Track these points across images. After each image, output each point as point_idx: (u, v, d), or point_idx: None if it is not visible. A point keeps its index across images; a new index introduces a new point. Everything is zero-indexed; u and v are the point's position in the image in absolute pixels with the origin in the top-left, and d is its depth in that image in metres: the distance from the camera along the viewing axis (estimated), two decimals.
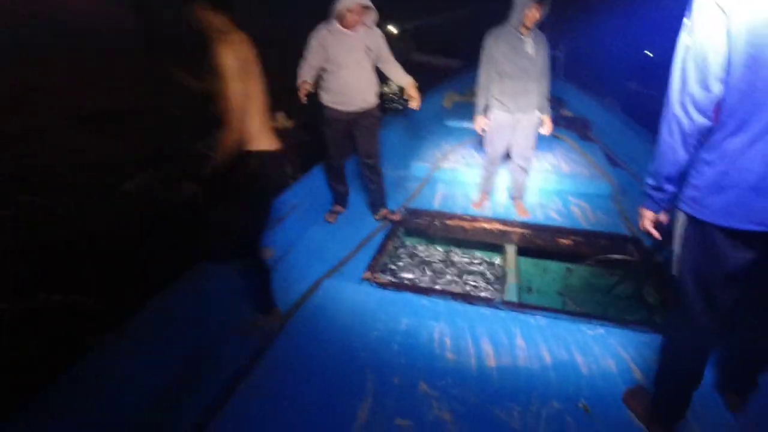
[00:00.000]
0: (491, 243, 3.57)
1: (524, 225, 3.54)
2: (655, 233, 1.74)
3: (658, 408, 1.83)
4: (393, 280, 3.06)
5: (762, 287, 1.65)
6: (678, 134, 1.44)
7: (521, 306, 2.60)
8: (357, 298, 2.53)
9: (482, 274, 3.40)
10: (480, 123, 3.45)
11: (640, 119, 5.45)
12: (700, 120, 1.39)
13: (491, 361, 2.13)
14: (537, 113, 3.38)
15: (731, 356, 2.02)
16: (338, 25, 3.05)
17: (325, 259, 3.08)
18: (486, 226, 3.53)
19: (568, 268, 3.53)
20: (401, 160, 4.57)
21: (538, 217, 3.71)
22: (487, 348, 2.21)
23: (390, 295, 2.61)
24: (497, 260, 3.55)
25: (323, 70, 3.14)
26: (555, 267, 3.64)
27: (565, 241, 3.44)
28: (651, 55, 10.84)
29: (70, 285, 3.35)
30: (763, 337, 1.79)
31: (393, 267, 3.35)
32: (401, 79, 3.33)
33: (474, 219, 3.60)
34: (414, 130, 5.16)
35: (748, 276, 1.50)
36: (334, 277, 2.91)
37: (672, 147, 1.47)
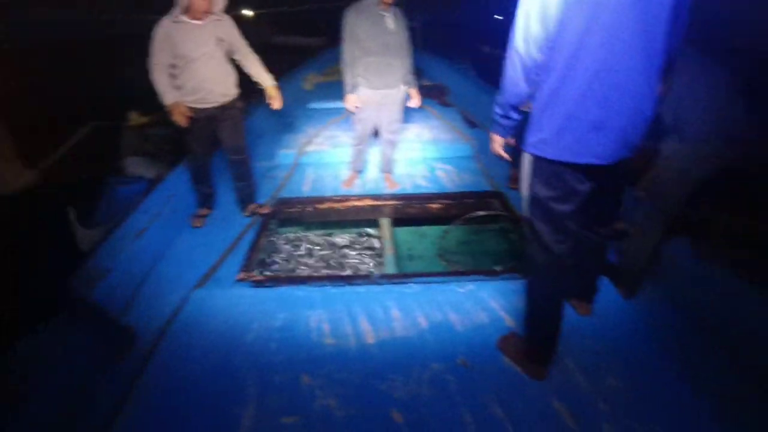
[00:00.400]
0: (366, 219, 3.59)
1: (395, 197, 3.60)
2: (505, 155, 2.02)
3: (530, 346, 1.98)
4: (270, 275, 2.96)
5: (599, 209, 1.92)
6: (520, 69, 1.61)
7: (397, 277, 2.65)
8: (230, 303, 2.42)
9: (362, 252, 3.41)
10: (351, 102, 3.41)
11: (494, 80, 5.76)
12: (538, 56, 1.56)
13: (370, 338, 2.14)
14: (403, 87, 3.42)
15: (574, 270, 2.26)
16: (183, 16, 2.78)
17: (195, 267, 2.89)
18: (358, 203, 3.54)
19: (443, 231, 3.67)
20: (266, 150, 4.42)
21: (407, 187, 3.80)
22: (366, 326, 2.22)
23: (264, 292, 2.52)
24: (375, 235, 3.59)
25: (173, 66, 2.85)
26: (431, 231, 3.77)
27: (435, 206, 3.56)
28: (501, 18, 11.48)
29: None
30: (598, 249, 2.04)
31: (270, 262, 3.25)
32: (261, 77, 3.16)
33: (345, 198, 3.59)
34: (277, 118, 5.01)
35: (588, 204, 1.74)
36: (207, 284, 2.74)
37: (514, 80, 1.65)
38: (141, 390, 1.93)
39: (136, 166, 4.28)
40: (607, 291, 2.40)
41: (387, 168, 3.81)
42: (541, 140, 1.64)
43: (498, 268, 2.83)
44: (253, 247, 3.03)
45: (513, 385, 1.93)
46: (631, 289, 2.69)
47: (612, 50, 1.45)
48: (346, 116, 4.74)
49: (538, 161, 1.69)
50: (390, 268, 2.89)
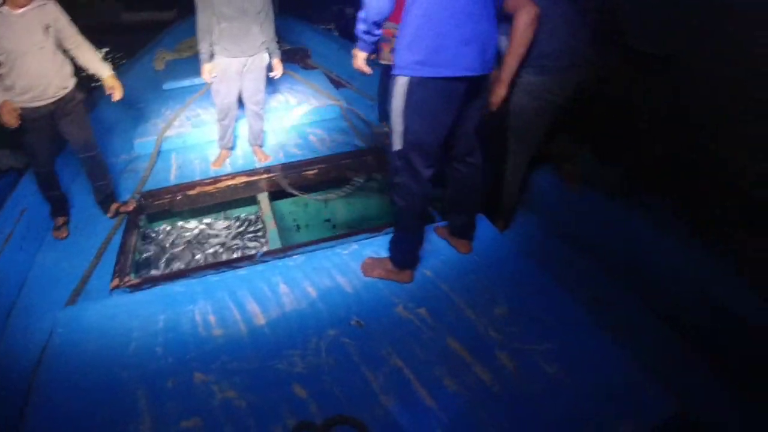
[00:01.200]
0: (243, 198, 3.44)
1: (269, 169, 3.47)
2: (367, 69, 2.26)
3: (403, 259, 2.24)
4: (146, 276, 2.74)
5: (464, 138, 2.09)
6: None
7: (280, 251, 2.59)
8: (105, 315, 2.21)
9: (244, 233, 3.28)
10: (206, 71, 3.19)
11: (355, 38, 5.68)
12: None
13: (260, 320, 2.09)
14: (265, 55, 3.25)
15: (450, 206, 2.41)
16: (2, 7, 2.43)
17: (63, 285, 2.60)
18: (231, 182, 3.37)
19: (326, 196, 3.63)
20: (121, 143, 4.01)
21: (280, 156, 3.67)
22: (254, 307, 2.15)
23: (141, 296, 2.34)
24: (255, 212, 3.46)
25: None
26: (312, 203, 3.71)
27: (311, 173, 3.50)
28: None
29: None
30: (471, 184, 2.22)
31: (144, 262, 3.01)
32: (96, 68, 2.83)
33: (217, 180, 3.39)
34: (128, 106, 4.55)
35: (455, 130, 1.99)
36: (78, 300, 2.49)
37: None
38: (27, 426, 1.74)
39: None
40: (484, 227, 2.53)
41: (256, 141, 3.65)
42: (417, 62, 1.77)
43: (381, 223, 2.88)
44: (123, 250, 2.78)
45: (408, 333, 1.99)
46: (506, 221, 2.88)
47: None
48: (205, 91, 4.42)
49: (413, 84, 1.81)
50: (275, 244, 2.81)
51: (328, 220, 3.82)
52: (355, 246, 2.49)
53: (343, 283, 2.25)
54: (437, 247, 2.45)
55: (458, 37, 1.73)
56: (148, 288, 2.41)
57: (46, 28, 2.58)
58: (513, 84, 2.38)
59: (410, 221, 2.10)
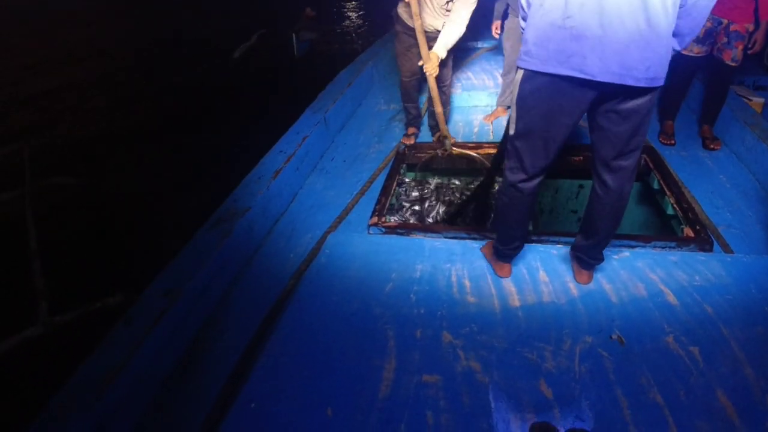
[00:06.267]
0: None
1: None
2: None
3: (497, 246, 2.10)
4: (402, 221, 2.90)
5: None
6: None
7: (545, 234, 2.46)
8: (369, 250, 2.38)
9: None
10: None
11: None
12: None
13: (515, 301, 2.02)
14: None
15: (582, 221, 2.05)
16: None
17: (326, 211, 2.93)
18: (491, 150, 3.32)
19: (578, 186, 3.37)
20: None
21: None
22: (509, 287, 2.09)
23: (400, 240, 2.47)
24: None
25: None
26: (566, 185, 3.48)
27: (577, 158, 3.25)
28: None
29: None
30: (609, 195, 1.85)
31: (398, 207, 3.20)
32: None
33: (479, 145, 3.37)
34: None
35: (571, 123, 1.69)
36: (340, 227, 2.76)
37: None
38: (281, 329, 1.96)
39: None
40: None
41: None
42: (525, 52, 1.65)
43: (648, 235, 2.53)
44: (385, 191, 2.98)
45: (674, 370, 1.72)
46: None
47: None
48: None
49: (525, 75, 1.68)
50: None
51: (574, 212, 3.56)
52: (627, 253, 2.23)
53: (608, 291, 2.04)
54: (725, 283, 2.06)
55: (571, 30, 1.52)
56: (403, 234, 2.54)
57: None
58: None
59: (503, 213, 1.97)
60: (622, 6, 1.43)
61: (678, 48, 1.66)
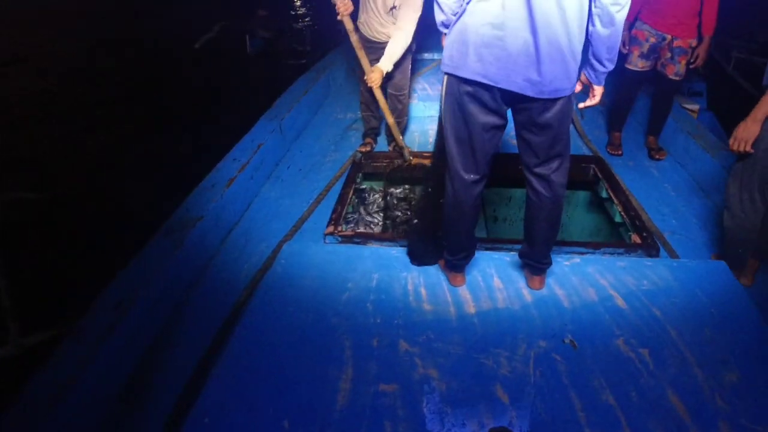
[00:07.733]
0: None
1: None
2: None
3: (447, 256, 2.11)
4: (359, 231, 2.89)
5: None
6: None
7: (494, 242, 2.50)
8: (324, 259, 2.35)
9: None
10: None
11: None
12: None
13: (471, 308, 2.03)
14: None
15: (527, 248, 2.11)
16: None
17: (280, 220, 2.88)
18: None
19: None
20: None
21: None
22: (465, 294, 2.11)
23: (357, 249, 2.45)
24: None
25: None
26: (518, 194, 3.56)
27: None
28: None
29: None
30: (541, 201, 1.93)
31: (352, 217, 3.18)
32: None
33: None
34: None
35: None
36: (296, 237, 2.72)
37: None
38: (235, 341, 1.91)
39: None
40: (725, 280, 2.19)
41: None
42: (448, 57, 1.77)
43: (598, 241, 2.62)
44: (341, 200, 2.95)
45: (626, 372, 1.78)
46: (752, 276, 2.39)
47: None
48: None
49: (447, 79, 1.80)
50: (479, 233, 2.74)
51: None
52: (577, 259, 2.30)
53: (560, 296, 2.09)
54: (671, 287, 2.15)
55: (481, 38, 1.65)
56: (360, 243, 2.52)
57: None
58: None
59: (449, 222, 2.01)
60: (519, 27, 1.57)
61: (603, 69, 1.79)
